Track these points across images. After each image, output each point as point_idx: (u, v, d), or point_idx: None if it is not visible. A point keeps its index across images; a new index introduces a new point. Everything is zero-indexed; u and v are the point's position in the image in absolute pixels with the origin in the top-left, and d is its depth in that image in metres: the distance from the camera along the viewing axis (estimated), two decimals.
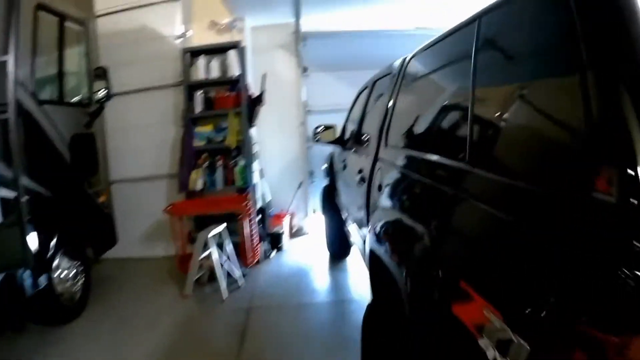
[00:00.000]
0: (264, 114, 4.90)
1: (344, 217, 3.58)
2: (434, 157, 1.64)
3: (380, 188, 2.19)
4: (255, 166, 4.82)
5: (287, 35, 5.41)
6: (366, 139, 2.78)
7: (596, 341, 0.72)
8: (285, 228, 5.10)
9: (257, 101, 4.64)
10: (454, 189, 1.39)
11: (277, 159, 5.57)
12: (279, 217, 5.17)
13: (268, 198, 5.20)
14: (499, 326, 0.91)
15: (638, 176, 0.74)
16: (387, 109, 2.42)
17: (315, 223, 5.50)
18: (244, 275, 3.99)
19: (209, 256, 3.64)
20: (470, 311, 1.05)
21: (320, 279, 4.07)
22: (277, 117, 5.41)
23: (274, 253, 4.77)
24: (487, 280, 1.02)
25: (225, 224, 3.86)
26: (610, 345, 0.71)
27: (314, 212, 5.64)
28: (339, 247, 4.39)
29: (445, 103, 1.76)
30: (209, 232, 3.65)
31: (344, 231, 3.97)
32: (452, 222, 1.37)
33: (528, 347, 0.82)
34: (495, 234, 1.09)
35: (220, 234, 3.79)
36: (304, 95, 5.52)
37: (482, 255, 1.09)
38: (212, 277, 3.80)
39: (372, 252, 1.98)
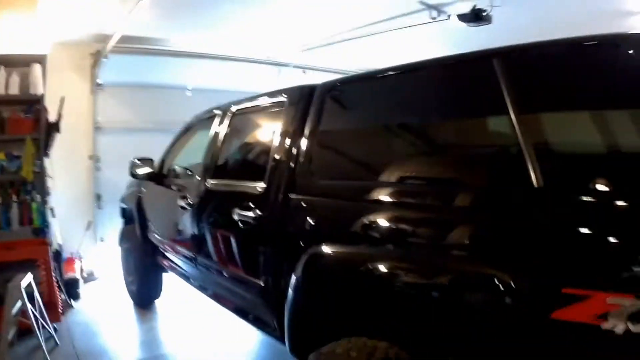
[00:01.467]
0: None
1: (163, 252, 3.69)
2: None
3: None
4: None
5: (84, 54, 5.22)
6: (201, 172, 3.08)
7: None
8: (78, 274, 4.78)
9: (53, 127, 4.20)
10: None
11: (64, 194, 5.04)
12: (70, 262, 4.77)
13: (59, 240, 4.76)
14: None
15: None
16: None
17: (107, 266, 5.23)
18: (55, 330, 3.53)
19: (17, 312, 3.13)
20: None
21: (132, 331, 3.80)
22: (67, 144, 4.92)
23: (73, 303, 4.37)
24: None
25: (30, 273, 3.40)
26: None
27: (102, 240, 5.43)
28: (148, 291, 4.28)
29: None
30: (18, 281, 3.15)
31: (156, 272, 4.07)
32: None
33: None
34: None
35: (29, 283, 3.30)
36: (97, 113, 5.41)
37: None
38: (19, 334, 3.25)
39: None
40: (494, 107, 1.56)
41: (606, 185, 1.26)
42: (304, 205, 2.02)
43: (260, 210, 2.23)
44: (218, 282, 2.74)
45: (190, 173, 3.63)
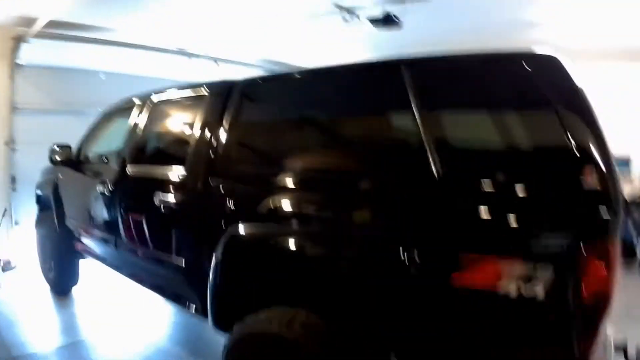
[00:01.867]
0: None
1: (82, 237, 3.73)
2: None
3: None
4: None
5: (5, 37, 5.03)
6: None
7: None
8: None
9: None
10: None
11: None
12: None
13: None
14: None
15: None
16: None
17: (24, 253, 5.07)
18: None
19: None
20: None
21: (52, 319, 3.76)
22: None
23: None
24: None
25: None
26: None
27: (17, 224, 5.30)
28: (66, 277, 4.23)
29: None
30: None
31: (73, 259, 4.07)
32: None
33: None
34: None
35: None
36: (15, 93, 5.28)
37: None
38: None
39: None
40: (401, 108, 1.81)
41: (496, 175, 1.55)
42: (223, 189, 2.24)
43: (181, 195, 2.42)
44: (140, 264, 2.89)
45: (109, 160, 3.68)
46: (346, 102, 2.09)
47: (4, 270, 4.90)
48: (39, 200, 4.51)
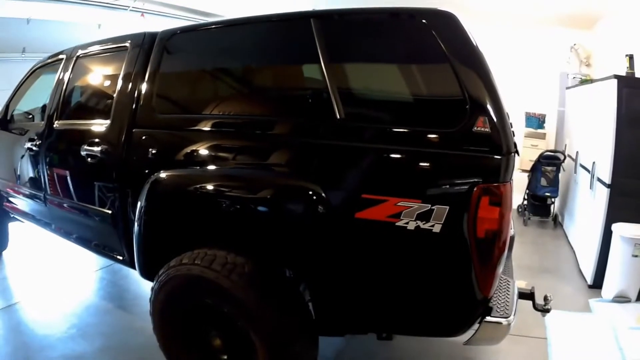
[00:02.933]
0: None
1: (10, 197, 3.66)
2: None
3: None
4: None
5: None
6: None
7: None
8: None
9: None
10: None
11: None
12: None
13: None
14: None
15: None
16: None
17: None
18: None
19: None
20: None
21: None
22: None
23: None
24: None
25: None
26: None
27: None
28: None
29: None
30: None
31: (2, 221, 3.98)
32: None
33: None
34: None
35: None
36: None
37: None
38: None
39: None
40: (309, 58, 1.94)
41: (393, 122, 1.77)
42: (145, 137, 2.31)
43: (106, 145, 2.45)
44: (69, 217, 2.91)
45: (36, 116, 3.62)
46: (261, 52, 2.20)
47: None
48: None
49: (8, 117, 3.70)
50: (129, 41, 2.57)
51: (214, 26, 2.28)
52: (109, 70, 2.71)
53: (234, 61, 2.32)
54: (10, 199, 3.65)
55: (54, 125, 2.91)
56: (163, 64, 2.36)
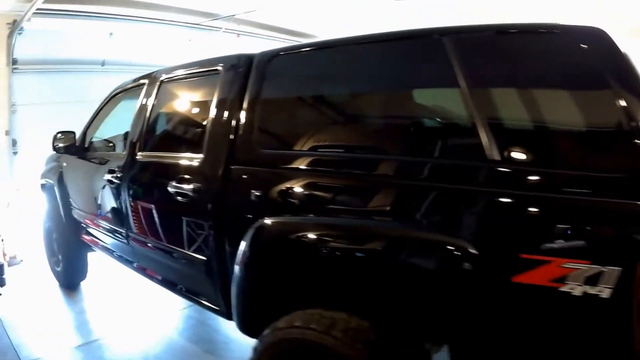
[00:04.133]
0: None
1: (90, 229, 3.51)
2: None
3: None
4: None
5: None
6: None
7: None
8: (0, 258, 4.42)
9: None
10: None
11: None
12: None
13: None
14: None
15: None
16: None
17: (28, 246, 4.88)
18: None
19: None
20: None
21: (64, 316, 3.51)
22: None
23: (0, 290, 4.04)
24: None
25: None
26: None
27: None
28: (74, 271, 4.01)
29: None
30: None
31: (81, 252, 3.87)
32: None
33: None
34: None
35: None
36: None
37: None
38: None
39: None
40: (444, 82, 1.60)
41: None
42: (247, 176, 1.99)
43: (199, 183, 2.16)
44: (154, 258, 2.65)
45: (117, 145, 3.46)
46: (387, 77, 1.83)
47: (9, 264, 4.70)
48: (44, 190, 4.28)
49: (86, 145, 3.59)
50: (221, 64, 2.28)
51: (325, 46, 1.95)
52: (198, 96, 2.45)
53: (352, 86, 1.96)
54: (89, 230, 3.50)
55: (137, 157, 2.68)
56: (264, 90, 2.04)
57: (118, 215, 2.87)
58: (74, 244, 3.82)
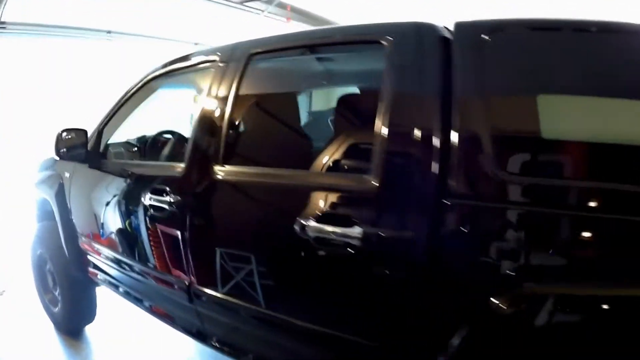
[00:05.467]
0: None
1: (103, 266, 2.54)
2: None
3: None
4: None
5: None
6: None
7: None
8: None
9: None
10: None
11: None
12: None
13: None
14: None
15: None
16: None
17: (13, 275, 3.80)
18: None
19: None
20: None
21: None
22: None
23: None
24: None
25: None
26: None
27: None
28: (78, 313, 3.03)
29: None
30: None
31: (87, 289, 2.92)
32: None
33: None
34: None
35: None
36: None
37: None
38: None
39: None
40: None
41: None
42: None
43: (369, 218, 1.28)
44: (246, 330, 1.75)
45: (147, 150, 2.50)
46: None
47: None
48: (37, 205, 3.24)
49: (101, 149, 2.59)
50: (390, 35, 1.34)
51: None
52: (346, 81, 1.51)
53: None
54: (100, 265, 2.54)
55: (215, 174, 1.71)
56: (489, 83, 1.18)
57: (172, 261, 1.92)
58: (79, 280, 2.85)
